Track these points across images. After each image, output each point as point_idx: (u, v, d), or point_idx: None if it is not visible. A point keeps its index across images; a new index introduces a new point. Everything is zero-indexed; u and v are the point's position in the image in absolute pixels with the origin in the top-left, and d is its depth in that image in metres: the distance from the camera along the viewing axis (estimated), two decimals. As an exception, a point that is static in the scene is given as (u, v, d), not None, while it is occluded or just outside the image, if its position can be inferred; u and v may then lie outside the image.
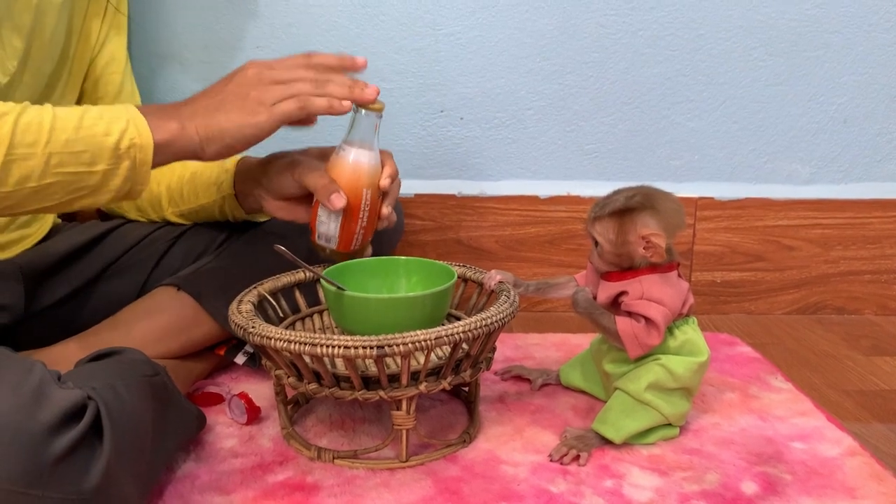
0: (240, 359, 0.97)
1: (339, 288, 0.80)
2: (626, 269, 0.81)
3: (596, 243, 0.82)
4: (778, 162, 1.32)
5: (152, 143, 0.70)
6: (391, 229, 1.10)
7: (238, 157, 0.95)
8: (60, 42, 0.91)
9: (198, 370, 0.96)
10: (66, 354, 0.84)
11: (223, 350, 0.97)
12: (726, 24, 1.26)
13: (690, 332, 0.83)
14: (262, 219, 1.02)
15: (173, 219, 1.03)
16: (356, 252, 0.87)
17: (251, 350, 0.96)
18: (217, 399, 0.92)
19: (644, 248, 0.79)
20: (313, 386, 0.76)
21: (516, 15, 1.25)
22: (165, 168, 1.02)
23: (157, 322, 0.91)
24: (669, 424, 0.83)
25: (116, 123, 0.69)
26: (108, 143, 0.68)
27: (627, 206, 0.79)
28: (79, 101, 1.00)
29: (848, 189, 1.32)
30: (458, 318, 0.90)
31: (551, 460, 0.79)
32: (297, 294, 0.92)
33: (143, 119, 0.71)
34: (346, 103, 0.77)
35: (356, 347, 0.69)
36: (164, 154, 0.72)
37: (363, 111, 0.81)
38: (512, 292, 0.82)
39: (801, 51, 1.27)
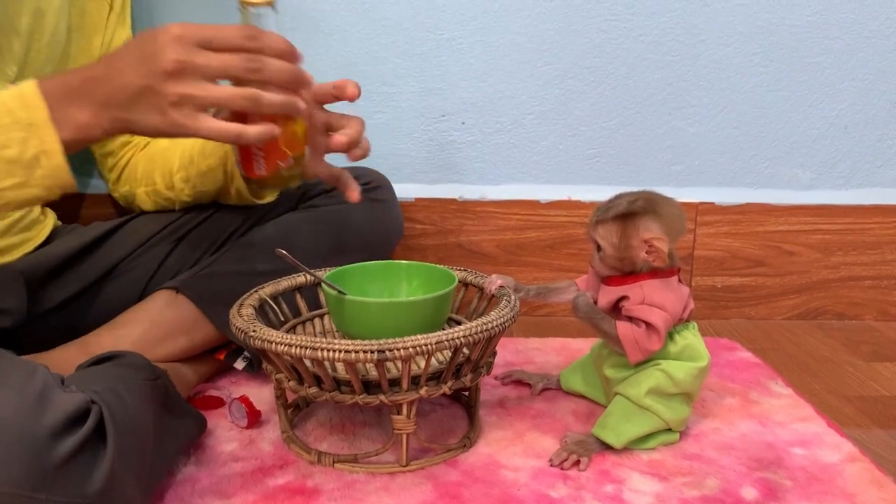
0: (239, 364, 0.97)
1: (339, 292, 0.80)
2: (627, 273, 0.81)
3: (598, 247, 0.82)
4: (779, 167, 1.32)
5: (60, 147, 0.64)
6: (392, 232, 1.11)
7: None
8: (61, 42, 0.91)
9: (198, 374, 0.96)
10: (67, 358, 0.84)
11: (223, 354, 0.97)
12: (727, 29, 1.26)
13: (691, 338, 0.83)
14: (265, 200, 0.99)
15: (179, 185, 0.99)
16: (270, 180, 0.74)
17: (249, 355, 0.96)
18: (217, 402, 0.92)
19: (646, 253, 0.79)
20: (314, 390, 0.76)
21: (517, 20, 1.25)
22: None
23: (157, 325, 0.91)
24: (670, 429, 0.83)
25: (14, 131, 0.62)
26: (8, 157, 0.62)
27: (630, 210, 0.79)
28: None
29: (848, 195, 1.32)
30: (459, 323, 0.90)
31: (552, 465, 0.79)
32: (298, 298, 0.92)
33: (45, 116, 0.63)
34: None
35: (357, 351, 0.69)
36: (76, 147, 0.66)
37: (252, 9, 0.69)
38: (512, 297, 0.83)
39: (801, 57, 1.27)
